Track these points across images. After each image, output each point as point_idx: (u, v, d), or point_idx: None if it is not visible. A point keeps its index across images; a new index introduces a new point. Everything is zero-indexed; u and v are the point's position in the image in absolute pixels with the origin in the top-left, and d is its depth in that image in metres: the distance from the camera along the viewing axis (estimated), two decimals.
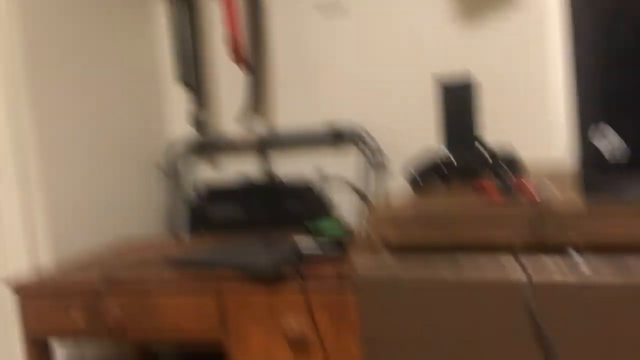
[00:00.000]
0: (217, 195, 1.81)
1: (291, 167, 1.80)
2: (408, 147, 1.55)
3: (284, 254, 1.18)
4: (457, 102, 0.98)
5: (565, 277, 0.59)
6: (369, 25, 1.65)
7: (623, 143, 0.65)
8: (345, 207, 1.74)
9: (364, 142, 1.67)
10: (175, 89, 1.87)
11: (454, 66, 1.53)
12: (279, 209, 1.73)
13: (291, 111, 1.78)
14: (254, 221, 1.76)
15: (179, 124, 1.92)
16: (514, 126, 1.46)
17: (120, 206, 1.77)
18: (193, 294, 1.19)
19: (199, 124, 1.81)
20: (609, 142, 0.66)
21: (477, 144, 0.94)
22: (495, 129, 1.48)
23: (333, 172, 1.74)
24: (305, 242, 1.28)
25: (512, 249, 0.66)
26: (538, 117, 1.46)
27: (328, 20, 1.68)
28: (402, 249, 0.76)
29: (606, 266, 0.59)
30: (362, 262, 0.70)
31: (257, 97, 1.73)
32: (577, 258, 0.62)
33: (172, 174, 1.91)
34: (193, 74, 1.79)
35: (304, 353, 1.11)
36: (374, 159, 1.65)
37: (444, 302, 0.65)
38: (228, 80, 1.84)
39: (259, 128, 1.82)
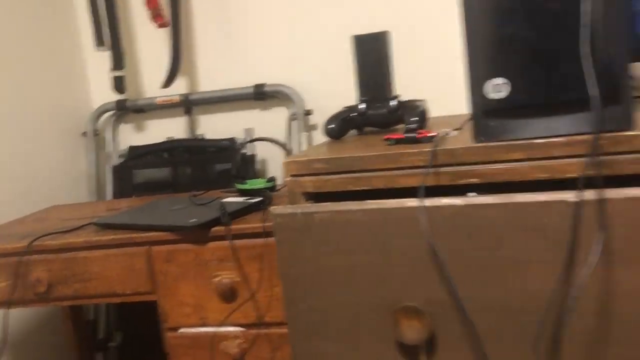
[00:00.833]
0: (143, 157, 1.81)
1: (217, 127, 1.82)
2: (333, 104, 1.60)
3: (211, 211, 1.21)
4: (371, 54, 1.03)
5: (455, 201, 0.66)
6: None
7: (510, 91, 0.72)
8: (273, 165, 1.78)
9: (290, 100, 1.70)
10: (97, 54, 1.84)
11: (374, 26, 1.58)
12: (206, 169, 1.75)
13: (215, 71, 1.79)
14: (181, 182, 1.77)
15: (102, 89, 1.89)
16: (429, 83, 1.54)
17: (46, 175, 1.74)
18: (122, 255, 1.20)
19: (122, 87, 1.79)
20: (497, 90, 0.73)
21: (389, 97, 1.00)
22: (412, 85, 1.56)
23: (260, 131, 1.77)
24: (232, 199, 1.32)
25: (411, 188, 0.73)
26: (451, 74, 1.54)
27: None
28: (318, 195, 0.81)
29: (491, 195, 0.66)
30: (280, 208, 0.75)
31: (179, 58, 1.72)
32: (471, 194, 0.69)
33: (97, 139, 1.88)
34: (112, 37, 1.75)
35: (233, 302, 1.16)
36: (300, 117, 1.69)
37: (351, 233, 0.71)
38: (149, 42, 1.82)
39: (183, 89, 1.82)
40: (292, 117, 1.71)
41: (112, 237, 1.20)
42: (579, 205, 0.63)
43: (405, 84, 1.55)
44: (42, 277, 1.23)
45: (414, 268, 0.70)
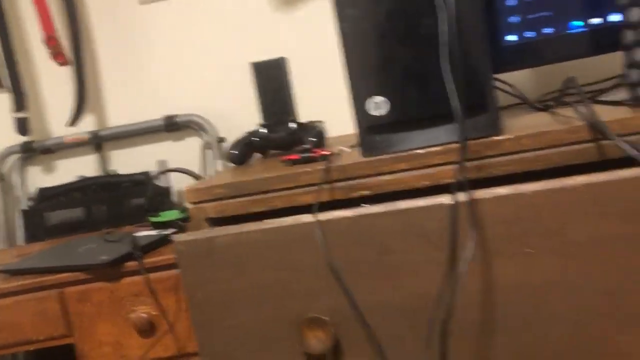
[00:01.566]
0: (54, 199, 1.76)
1: (130, 161, 1.81)
2: (246, 130, 1.63)
3: (122, 247, 1.20)
4: (270, 80, 1.07)
5: (346, 213, 0.70)
6: (188, 10, 1.69)
7: (389, 108, 0.78)
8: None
9: (202, 129, 1.72)
10: None
11: (272, 51, 1.63)
12: (121, 205, 1.73)
13: (123, 105, 1.78)
14: (97, 221, 1.74)
15: (5, 131, 1.83)
16: (328, 105, 1.60)
17: None
18: (33, 300, 1.17)
19: (25, 129, 1.74)
20: (378, 108, 0.78)
21: (289, 119, 1.04)
22: (313, 108, 1.61)
23: (174, 162, 1.77)
24: (145, 233, 1.31)
25: (309, 205, 0.76)
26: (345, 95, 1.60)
27: (145, 6, 1.69)
28: (221, 220, 0.83)
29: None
30: (181, 236, 0.76)
31: (84, 95, 1.71)
32: (365, 205, 0.74)
33: (3, 184, 1.82)
34: (11, 78, 1.71)
35: (153, 337, 1.16)
36: (214, 145, 1.70)
37: (252, 253, 0.74)
38: (52, 81, 1.79)
39: (92, 126, 1.79)
40: (206, 146, 1.72)
41: (20, 282, 1.17)
42: (453, 207, 0.68)
43: (308, 107, 1.60)
44: None
45: (314, 280, 0.74)
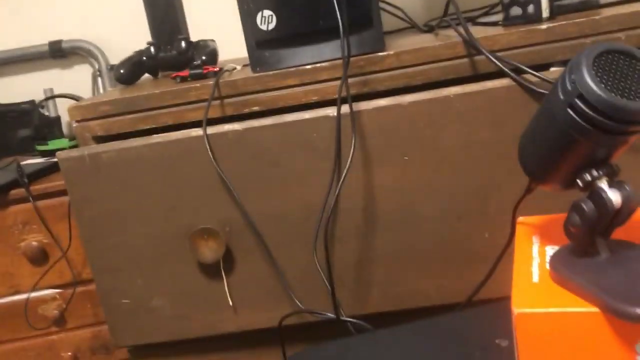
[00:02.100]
0: None
1: (13, 90, 1.69)
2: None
3: (6, 174, 1.15)
4: None
5: (235, 127, 0.72)
6: None
7: (277, 22, 0.78)
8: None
9: (90, 54, 1.63)
10: None
11: None
12: (6, 135, 1.63)
13: (4, 29, 1.64)
14: None
15: None
16: (223, 25, 1.56)
17: None
18: None
19: None
20: (266, 22, 0.78)
21: (179, 37, 1.01)
22: (202, 28, 1.57)
23: (63, 91, 1.68)
24: (32, 161, 1.26)
25: (199, 122, 0.77)
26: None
27: None
28: (108, 139, 0.82)
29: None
30: (66, 152, 0.74)
31: None
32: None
33: None
34: None
35: (46, 265, 1.13)
36: (104, 73, 1.63)
37: (140, 168, 0.74)
38: None
39: None
40: (96, 74, 1.64)
41: None
42: (337, 118, 0.71)
43: (198, 27, 1.55)
44: None
45: (204, 193, 0.75)
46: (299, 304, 0.75)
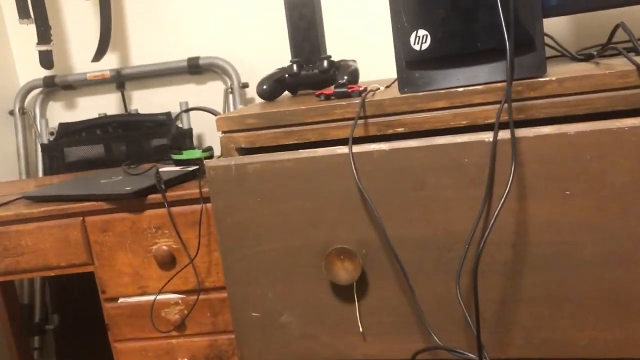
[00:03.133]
0: (74, 135, 1.76)
1: (151, 102, 1.80)
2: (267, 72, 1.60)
3: (146, 180, 1.20)
4: (302, 16, 1.04)
5: (381, 146, 0.69)
6: None
7: (431, 42, 0.76)
8: (210, 138, 1.78)
9: (226, 73, 1.70)
10: (21, 28, 1.77)
11: None
12: (141, 145, 1.73)
13: (147, 45, 1.76)
14: (116, 159, 1.74)
15: (28, 65, 1.82)
16: (361, 46, 1.57)
17: None
18: (55, 227, 1.18)
19: (49, 62, 1.73)
20: (420, 42, 0.76)
21: (321, 57, 1.02)
22: (343, 49, 1.58)
23: (196, 105, 1.76)
24: (168, 169, 1.31)
25: (342, 140, 0.75)
26: (384, 37, 1.57)
27: None
28: (251, 151, 0.83)
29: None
30: (214, 161, 0.76)
31: (109, 31, 1.69)
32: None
33: (25, 117, 1.82)
34: (36, 9, 1.69)
35: (172, 270, 1.17)
36: (236, 90, 1.69)
37: (283, 182, 0.73)
38: (76, 15, 1.77)
39: (115, 64, 1.78)
40: (228, 91, 1.70)
41: (44, 209, 1.18)
42: (494, 143, 0.67)
43: (339, 47, 1.56)
44: None
45: (344, 212, 0.73)
46: (437, 339, 0.71)
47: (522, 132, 0.68)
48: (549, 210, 0.68)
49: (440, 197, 0.70)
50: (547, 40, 1.03)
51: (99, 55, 1.70)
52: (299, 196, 0.74)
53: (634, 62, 0.71)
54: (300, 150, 0.74)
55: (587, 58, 0.92)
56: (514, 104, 0.73)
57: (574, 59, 0.96)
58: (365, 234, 0.73)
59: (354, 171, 0.72)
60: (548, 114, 0.73)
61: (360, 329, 0.75)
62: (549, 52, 1.09)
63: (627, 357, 0.64)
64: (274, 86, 1.00)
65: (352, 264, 0.73)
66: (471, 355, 0.66)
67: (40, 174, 1.78)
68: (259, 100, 1.55)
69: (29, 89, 1.80)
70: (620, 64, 0.78)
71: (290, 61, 1.02)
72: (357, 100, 0.79)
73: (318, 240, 0.75)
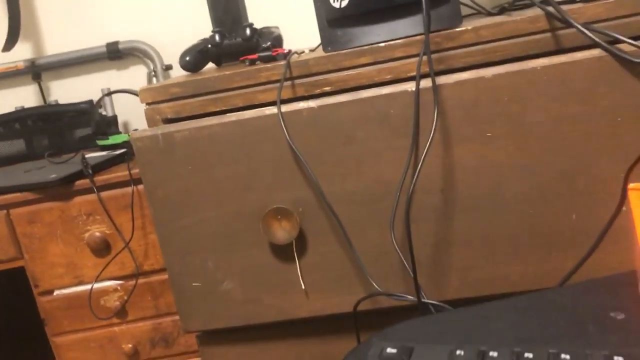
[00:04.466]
0: None
1: (72, 92, 1.73)
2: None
3: (72, 166, 1.16)
4: None
5: (309, 104, 0.70)
6: None
7: (350, 1, 0.76)
8: (136, 125, 1.73)
9: (146, 55, 1.65)
10: None
11: None
12: (64, 136, 1.66)
13: (62, 32, 1.68)
14: (36, 153, 1.66)
15: None
16: (284, 13, 1.56)
17: None
18: None
19: None
20: (339, 0, 0.77)
21: (243, 25, 1.01)
22: (266, 15, 1.57)
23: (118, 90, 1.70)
24: (94, 154, 1.27)
25: (273, 102, 0.75)
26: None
27: None
28: (178, 121, 0.81)
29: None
30: (139, 132, 0.74)
31: (18, 18, 1.60)
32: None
33: None
34: None
35: (108, 256, 1.14)
36: (159, 73, 1.64)
37: (213, 148, 0.72)
38: None
39: (28, 54, 1.69)
40: (152, 74, 1.66)
41: None
42: (417, 92, 0.69)
43: (261, 16, 1.55)
44: None
45: (277, 173, 0.73)
46: (377, 286, 0.73)
47: (442, 80, 0.70)
48: (473, 154, 0.70)
49: (370, 150, 0.72)
50: None
51: (9, 44, 1.61)
52: (231, 161, 0.74)
53: (542, 8, 0.74)
54: (228, 114, 0.74)
55: (501, 11, 0.95)
56: (433, 56, 0.75)
57: (489, 14, 0.99)
58: (300, 192, 0.74)
59: (285, 131, 0.72)
60: (466, 62, 0.75)
61: (303, 287, 0.76)
62: (465, 10, 1.12)
63: (555, 285, 0.68)
64: (197, 57, 0.98)
65: (289, 223, 0.73)
66: (410, 297, 0.68)
67: None
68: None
69: None
70: (531, 13, 0.81)
71: (212, 31, 1.00)
72: (283, 63, 0.79)
73: (254, 203, 0.75)
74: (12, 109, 1.69)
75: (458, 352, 0.39)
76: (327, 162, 0.73)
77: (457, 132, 0.70)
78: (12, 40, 1.62)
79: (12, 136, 1.67)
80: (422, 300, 0.66)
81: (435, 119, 0.69)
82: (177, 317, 1.16)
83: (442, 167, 0.71)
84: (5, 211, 1.12)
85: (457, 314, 0.49)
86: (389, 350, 0.41)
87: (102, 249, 1.13)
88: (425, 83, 0.70)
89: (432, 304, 0.67)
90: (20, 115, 1.67)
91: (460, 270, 0.74)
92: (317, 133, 0.72)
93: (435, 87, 0.69)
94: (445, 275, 0.74)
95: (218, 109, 0.80)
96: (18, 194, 1.11)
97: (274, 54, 0.84)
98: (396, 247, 0.71)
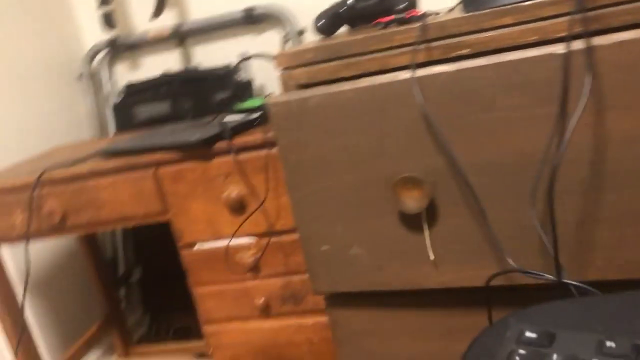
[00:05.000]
0: (140, 93, 1.81)
1: (212, 56, 1.81)
2: None
3: (212, 128, 1.22)
4: None
5: (446, 68, 0.67)
6: None
7: None
8: (271, 89, 1.78)
9: (280, 19, 1.68)
10: None
11: None
12: (205, 98, 1.75)
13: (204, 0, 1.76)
14: (182, 115, 1.78)
15: (93, 29, 1.87)
16: None
17: (47, 119, 1.75)
18: (130, 179, 1.23)
19: (111, 22, 1.77)
20: None
21: None
22: None
23: (255, 54, 1.76)
24: (232, 117, 1.33)
25: (407, 66, 0.73)
26: None
27: None
28: (312, 86, 0.81)
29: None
30: (274, 97, 0.76)
31: None
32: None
33: (94, 80, 1.88)
34: None
35: (243, 215, 1.19)
36: (294, 37, 1.67)
37: (346, 113, 0.72)
38: None
39: (174, 20, 1.80)
40: (286, 38, 1.69)
41: (118, 162, 1.22)
42: (567, 55, 0.63)
43: None
44: (55, 209, 1.26)
45: (409, 140, 0.71)
46: (512, 263, 0.69)
47: (597, 41, 0.63)
48: (630, 123, 0.63)
49: (511, 118, 0.67)
50: None
51: (157, 12, 1.72)
52: (363, 127, 0.73)
53: None
54: (361, 79, 0.73)
55: None
56: (586, 14, 0.68)
57: None
58: (433, 161, 0.71)
59: (419, 96, 0.69)
60: (625, 21, 0.67)
61: (432, 258, 0.74)
62: None
63: None
64: (332, 20, 0.97)
65: (419, 192, 0.71)
66: (549, 276, 0.64)
67: (113, 133, 1.85)
68: None
69: (95, 52, 1.86)
70: None
71: None
72: (418, 25, 0.76)
73: (384, 171, 0.74)
74: (160, 73, 1.81)
75: (608, 343, 0.36)
76: (463, 130, 0.69)
77: (611, 98, 0.64)
78: (160, 7, 1.72)
79: (160, 99, 1.80)
80: (563, 280, 0.62)
81: (587, 84, 0.63)
82: (306, 277, 1.20)
83: (593, 137, 0.65)
84: (153, 169, 1.21)
85: (606, 299, 0.45)
86: (528, 334, 0.38)
87: (238, 208, 1.19)
88: (577, 45, 0.64)
89: (573, 285, 0.62)
90: (167, 80, 1.79)
91: (606, 249, 0.68)
92: (454, 99, 0.69)
93: (590, 49, 0.63)
94: (589, 255, 0.68)
95: (351, 74, 0.79)
96: (164, 154, 1.19)
97: (409, 16, 0.81)
98: (536, 222, 0.67)
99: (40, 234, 1.30)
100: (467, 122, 0.69)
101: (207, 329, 1.29)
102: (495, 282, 0.71)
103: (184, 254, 1.26)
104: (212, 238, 1.23)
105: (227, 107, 1.66)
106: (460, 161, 0.70)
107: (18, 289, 1.48)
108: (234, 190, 1.18)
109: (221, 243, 1.23)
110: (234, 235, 1.20)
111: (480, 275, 0.72)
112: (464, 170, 0.70)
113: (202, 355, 1.69)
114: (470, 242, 0.72)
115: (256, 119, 1.25)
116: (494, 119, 0.68)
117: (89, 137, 1.91)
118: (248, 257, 1.22)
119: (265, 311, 1.24)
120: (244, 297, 1.25)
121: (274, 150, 1.14)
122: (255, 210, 1.17)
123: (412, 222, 0.74)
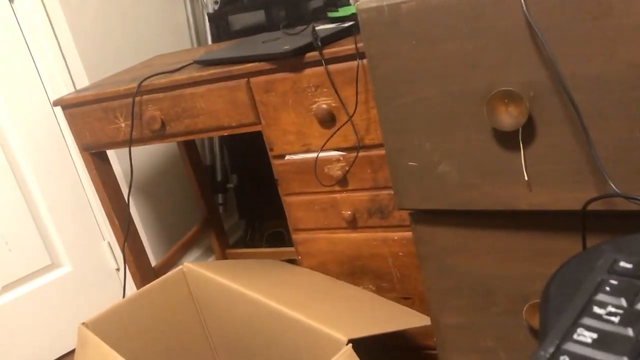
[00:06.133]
0: (236, 3, 1.80)
1: None
2: None
3: (303, 38, 1.20)
4: None
5: None
6: None
7: None
8: None
9: None
10: None
11: None
12: (299, 7, 1.72)
13: None
14: (277, 24, 1.76)
15: None
16: None
17: (145, 29, 1.80)
18: (224, 89, 1.25)
19: None
20: None
21: None
22: None
23: None
24: (324, 26, 1.29)
25: None
26: None
27: None
28: None
29: None
30: (365, 3, 0.72)
31: None
32: None
33: None
34: None
35: (333, 127, 1.19)
36: None
37: (440, 20, 0.67)
38: None
39: None
40: None
41: (212, 72, 1.24)
42: None
43: None
44: (155, 115, 1.32)
45: (509, 50, 0.66)
46: (614, 187, 0.64)
47: None
48: None
49: (628, 25, 0.60)
50: None
51: None
52: (458, 36, 0.68)
53: None
54: None
55: None
56: None
57: None
58: (534, 74, 0.66)
59: (522, 1, 0.63)
60: None
61: (526, 178, 0.70)
62: None
63: None
64: None
65: (517, 108, 0.66)
66: None
67: (209, 42, 1.88)
68: None
69: None
70: None
71: None
72: None
73: (479, 84, 0.69)
74: None
75: None
76: (570, 40, 0.63)
77: None
78: None
79: (255, 7, 1.79)
80: None
81: None
82: (393, 192, 1.19)
83: None
84: (246, 79, 1.22)
85: None
86: (623, 264, 0.35)
87: (327, 120, 1.18)
88: None
89: None
90: None
91: None
92: (561, 4, 0.62)
93: None
94: None
95: None
96: (256, 64, 1.19)
97: None
98: None
99: (143, 139, 1.37)
100: (576, 30, 0.62)
101: (296, 236, 1.34)
102: (592, 207, 0.66)
103: (275, 164, 1.29)
104: (302, 150, 1.24)
105: (320, 15, 1.62)
106: (565, 75, 0.64)
107: (125, 190, 1.59)
108: (324, 102, 1.17)
109: (310, 155, 1.24)
110: (322, 147, 1.20)
111: (577, 199, 0.68)
112: (568, 85, 0.64)
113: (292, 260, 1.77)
114: (569, 163, 0.68)
115: (348, 28, 1.21)
116: (606, 27, 0.61)
117: (188, 46, 1.95)
118: (336, 170, 1.22)
119: (352, 223, 1.26)
120: (331, 209, 1.27)
121: (365, 62, 1.11)
122: (345, 123, 1.16)
123: (506, 140, 0.70)
